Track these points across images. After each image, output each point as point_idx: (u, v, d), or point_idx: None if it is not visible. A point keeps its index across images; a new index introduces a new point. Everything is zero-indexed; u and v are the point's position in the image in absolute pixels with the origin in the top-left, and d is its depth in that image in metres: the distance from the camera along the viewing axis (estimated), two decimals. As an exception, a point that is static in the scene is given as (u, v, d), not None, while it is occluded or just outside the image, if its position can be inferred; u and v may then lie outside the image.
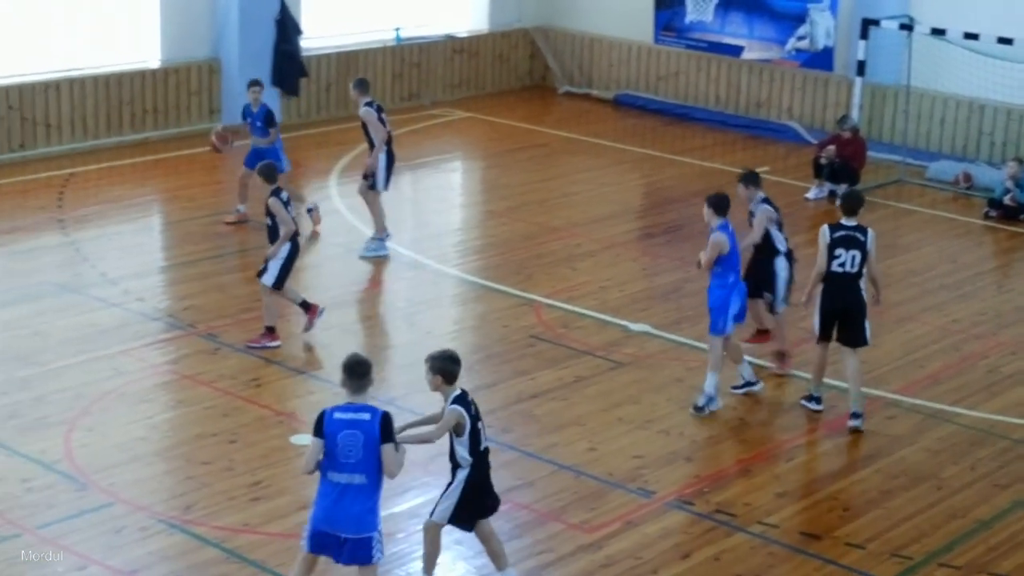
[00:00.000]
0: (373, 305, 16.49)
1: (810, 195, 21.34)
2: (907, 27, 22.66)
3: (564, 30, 28.16)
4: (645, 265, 18.21)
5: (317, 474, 9.47)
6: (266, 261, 14.88)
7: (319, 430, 9.34)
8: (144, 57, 23.19)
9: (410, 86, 26.40)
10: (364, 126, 17.86)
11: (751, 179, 14.80)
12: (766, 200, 14.68)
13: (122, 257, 17.58)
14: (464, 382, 13.97)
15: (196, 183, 19.99)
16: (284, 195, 14.88)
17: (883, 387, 14.56)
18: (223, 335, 15.16)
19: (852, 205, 13.81)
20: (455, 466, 10.29)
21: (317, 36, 25.02)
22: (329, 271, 17.53)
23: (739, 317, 13.83)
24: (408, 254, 18.04)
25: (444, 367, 10.16)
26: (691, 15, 26.02)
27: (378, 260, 17.68)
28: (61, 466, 12.17)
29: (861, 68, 22.98)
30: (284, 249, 14.85)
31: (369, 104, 17.75)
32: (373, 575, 9.63)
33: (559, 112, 26.66)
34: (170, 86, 23.20)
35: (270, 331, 14.89)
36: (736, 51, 25.87)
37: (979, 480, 12.69)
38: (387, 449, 9.33)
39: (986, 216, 20.71)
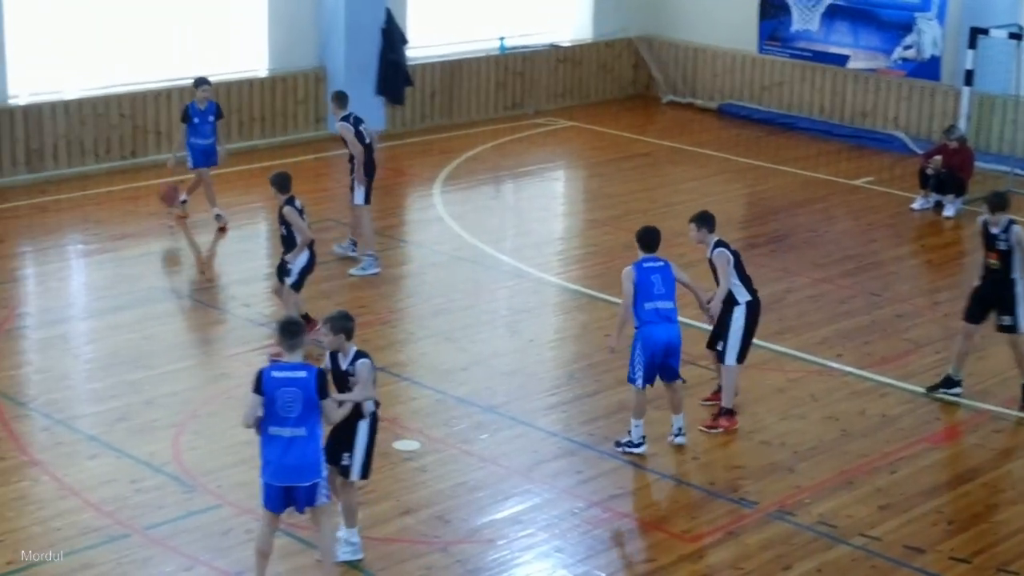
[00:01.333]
0: (475, 313, 16.58)
1: (915, 205, 21.15)
2: (1016, 36, 22.38)
3: (668, 40, 28.13)
4: (748, 275, 18.10)
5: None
6: (285, 263, 14.99)
7: (258, 388, 9.96)
8: (252, 66, 23.49)
9: (514, 95, 26.50)
10: (344, 143, 17.71)
11: (704, 220, 13.47)
12: (722, 243, 13.47)
13: (229, 263, 17.83)
14: (566, 390, 14.12)
15: (301, 191, 20.06)
16: (298, 203, 14.96)
17: (989, 400, 14.41)
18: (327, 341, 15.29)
19: (997, 203, 14.06)
20: (358, 418, 10.81)
21: (422, 45, 25.20)
22: (432, 279, 17.65)
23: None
24: (510, 262, 18.12)
25: (345, 326, 10.73)
26: (797, 24, 25.89)
27: (472, 268, 17.70)
28: (169, 468, 12.38)
29: (969, 78, 22.74)
30: (303, 257, 14.94)
31: (345, 119, 17.44)
32: (327, 515, 10.41)
33: (662, 122, 26.64)
34: (277, 95, 23.48)
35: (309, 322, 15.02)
36: (841, 60, 25.71)
37: (1087, 495, 12.54)
38: (327, 404, 10.10)
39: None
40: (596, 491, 12.33)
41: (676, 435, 13.10)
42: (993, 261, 14.15)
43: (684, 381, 13.17)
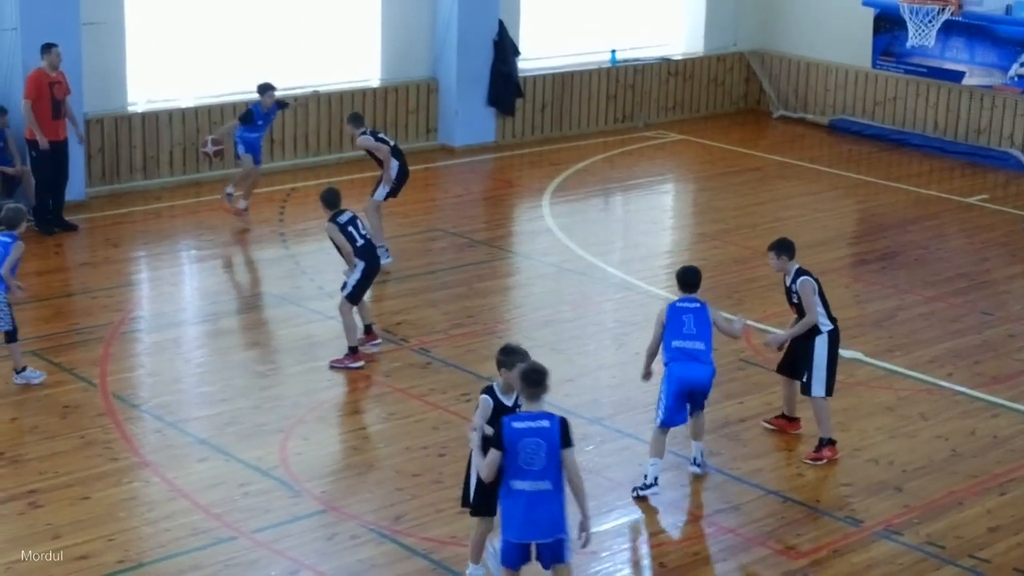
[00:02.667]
0: (582, 325, 16.59)
1: (1031, 225, 20.90)
2: None
3: (780, 54, 27.98)
4: (858, 292, 18.00)
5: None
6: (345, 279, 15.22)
7: (498, 441, 9.55)
8: (366, 76, 23.71)
9: (624, 108, 26.50)
10: (369, 154, 18.25)
11: (784, 248, 13.14)
12: (804, 272, 13.14)
13: (339, 271, 17.87)
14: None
15: (410, 200, 20.31)
16: (342, 218, 15.10)
17: (1103, 423, 14.18)
18: (434, 350, 15.42)
19: None
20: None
21: (534, 57, 25.30)
22: (541, 289, 17.70)
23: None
24: (618, 275, 18.12)
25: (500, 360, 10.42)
26: (912, 40, 25.62)
27: (580, 280, 17.69)
28: (277, 473, 12.51)
29: (1087, 95, 22.42)
30: (356, 271, 15.03)
31: (364, 133, 17.98)
32: (568, 574, 9.83)
33: (773, 136, 26.50)
34: (389, 104, 23.68)
35: (353, 352, 15.00)
36: (957, 77, 25.41)
37: None
38: (568, 453, 9.54)
39: None
40: (701, 505, 12.29)
41: (693, 463, 12.81)
42: None
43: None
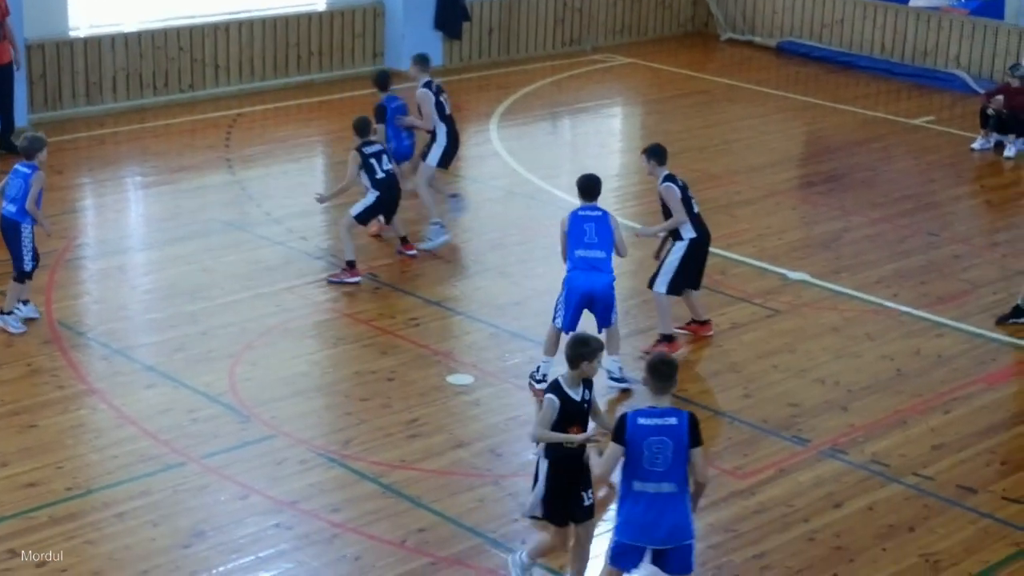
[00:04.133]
0: (530, 249, 16.59)
1: (976, 145, 20.95)
2: (1082, -26, 22.10)
3: (728, -24, 27.91)
4: (804, 213, 18.08)
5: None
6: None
7: (620, 436, 8.72)
8: (310, 0, 23.48)
9: (572, 31, 26.38)
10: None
11: (652, 153, 13.66)
12: (670, 177, 13.62)
13: (286, 197, 17.91)
14: (620, 327, 14.11)
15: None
16: (368, 148, 15.20)
17: (1046, 341, 14.35)
18: (383, 275, 15.40)
19: None
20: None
21: (480, -20, 25.14)
22: (488, 214, 17.67)
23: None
24: (566, 198, 18.08)
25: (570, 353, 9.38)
26: (858, -39, 25.60)
27: (528, 204, 17.67)
28: (226, 399, 12.49)
29: (1033, 16, 22.48)
30: (371, 195, 15.24)
31: (427, 85, 16.55)
32: None
33: (721, 59, 26.47)
34: (335, 29, 23.49)
35: (351, 266, 15.15)
36: (904, -2, 25.45)
37: None
38: (696, 453, 8.77)
39: None
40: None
41: (610, 377, 12.82)
42: None
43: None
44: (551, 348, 12.77)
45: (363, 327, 14.15)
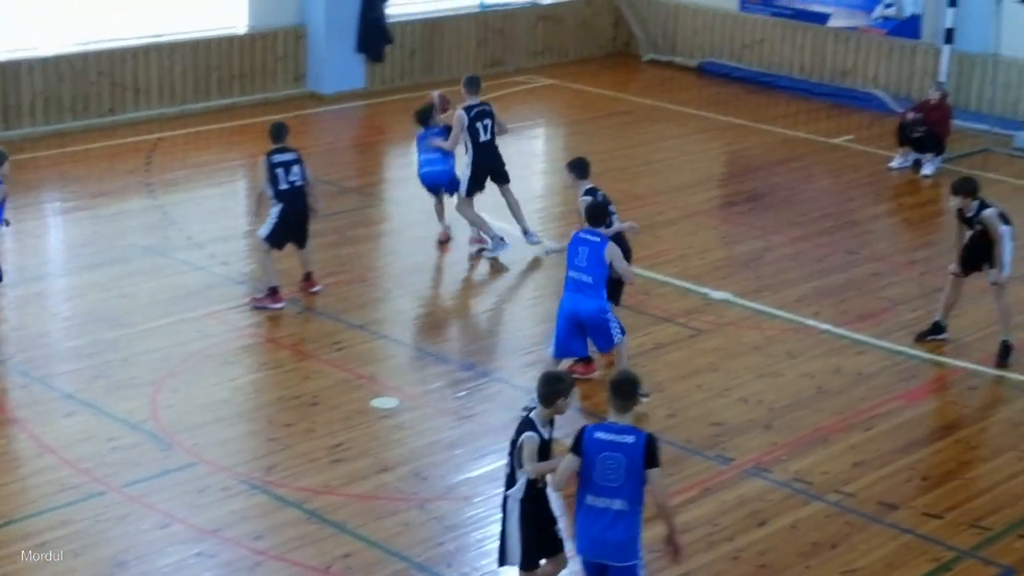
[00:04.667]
0: (454, 271, 16.59)
1: (894, 164, 21.16)
2: (996, -6, 22.41)
3: (649, -3, 28.08)
4: (726, 233, 18.19)
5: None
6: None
7: (577, 447, 8.81)
8: (231, 23, 23.39)
9: (494, 53, 26.44)
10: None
11: (572, 167, 14.01)
12: (591, 191, 13.83)
13: (208, 221, 17.81)
14: (543, 348, 14.14)
15: (281, 148, 20.13)
16: (276, 156, 15.01)
17: (965, 357, 14.48)
18: (306, 299, 15.33)
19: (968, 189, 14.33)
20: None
21: (402, 2, 25.11)
22: (411, 236, 17.63)
23: None
24: (490, 220, 18.10)
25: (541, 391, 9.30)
26: (777, -18, 25.85)
27: (451, 226, 17.58)
28: (147, 426, 12.39)
29: (949, 36, 22.76)
30: (270, 216, 14.97)
31: (467, 108, 16.73)
32: None
33: (643, 80, 26.60)
34: (257, 52, 23.40)
35: (272, 292, 15.02)
36: (822, 19, 25.67)
37: (1060, 451, 12.63)
38: (653, 474, 8.79)
39: (1073, 186, 20.49)
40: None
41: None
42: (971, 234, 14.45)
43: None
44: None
45: (286, 352, 14.09)
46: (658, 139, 22.58)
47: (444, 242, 17.14)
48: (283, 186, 14.98)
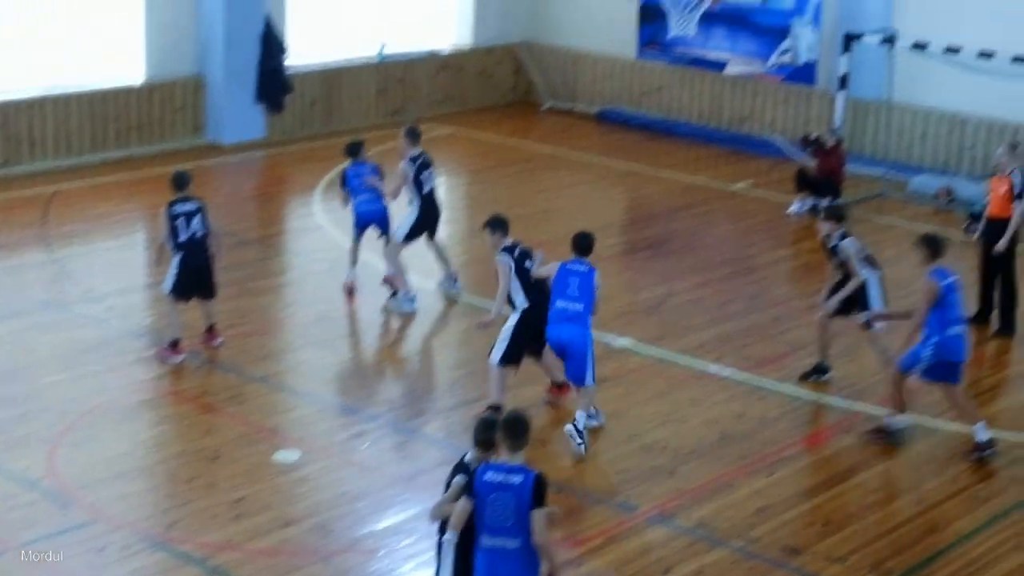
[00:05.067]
0: (356, 321, 16.53)
1: (792, 209, 21.40)
2: (889, 41, 22.79)
3: (548, 46, 28.25)
4: (628, 280, 18.29)
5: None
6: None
7: (469, 490, 8.94)
8: (129, 74, 23.23)
9: (394, 102, 26.46)
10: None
11: (490, 224, 13.99)
12: (506, 248, 13.84)
13: (107, 274, 17.63)
14: (448, 398, 14.16)
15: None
16: (177, 207, 14.86)
17: (864, 400, 14.63)
18: (207, 351, 15.19)
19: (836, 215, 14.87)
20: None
21: (301, 53, 25.09)
22: (313, 287, 17.57)
23: None
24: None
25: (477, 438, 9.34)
26: (674, 30, 26.11)
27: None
28: (45, 483, 12.19)
29: (844, 82, 23.09)
30: (173, 262, 14.87)
31: (414, 159, 16.74)
32: None
33: (543, 128, 26.75)
34: (155, 103, 23.25)
35: (173, 345, 14.88)
36: (719, 66, 25.97)
37: (959, 493, 12.76)
38: (536, 514, 8.88)
39: (967, 230, 20.78)
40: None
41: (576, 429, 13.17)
42: (836, 271, 14.85)
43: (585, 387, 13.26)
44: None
45: (187, 405, 13.94)
46: (559, 186, 22.68)
47: (351, 292, 17.06)
48: (183, 237, 14.85)
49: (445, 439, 13.45)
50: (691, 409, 14.36)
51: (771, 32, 25.18)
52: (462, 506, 8.94)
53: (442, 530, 9.25)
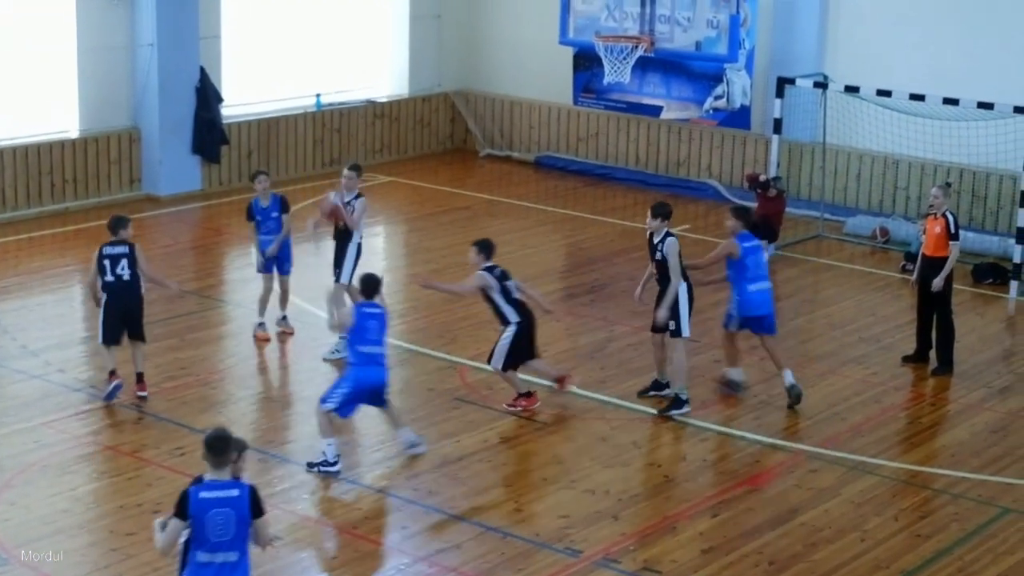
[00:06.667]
0: (296, 371, 16.44)
1: (730, 252, 21.49)
2: (821, 85, 23.00)
3: (484, 93, 28.35)
4: (569, 325, 18.29)
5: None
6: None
7: (183, 511, 9.13)
8: (63, 127, 23.11)
9: (331, 151, 26.45)
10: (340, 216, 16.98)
11: (484, 247, 15.42)
12: (487, 268, 15.25)
13: (43, 328, 17.46)
14: (390, 446, 14.07)
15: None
16: (108, 248, 15.02)
17: (806, 440, 14.69)
18: (146, 404, 15.06)
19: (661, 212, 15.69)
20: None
21: (237, 103, 25.05)
22: (248, 338, 17.44)
23: None
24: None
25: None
26: (609, 76, 26.26)
27: (293, 326, 17.52)
28: (-18, 541, 12.04)
29: (778, 126, 23.28)
30: (101, 303, 15.08)
31: (360, 196, 16.99)
32: None
33: (481, 175, 26.80)
34: (90, 155, 23.13)
35: (111, 374, 15.11)
36: (655, 111, 26.13)
37: (902, 531, 12.81)
38: (260, 523, 9.30)
39: (903, 269, 20.98)
40: (421, 546, 12.30)
41: (412, 447, 13.96)
42: (654, 271, 15.61)
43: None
44: (328, 430, 13.50)
45: (126, 459, 13.81)
46: (498, 233, 22.63)
47: (264, 339, 17.21)
48: (109, 278, 14.99)
49: (388, 487, 13.39)
50: (634, 452, 14.36)
51: (705, 77, 25.36)
52: (173, 528, 9.17)
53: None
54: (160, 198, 23.51)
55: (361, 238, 17.09)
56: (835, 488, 13.67)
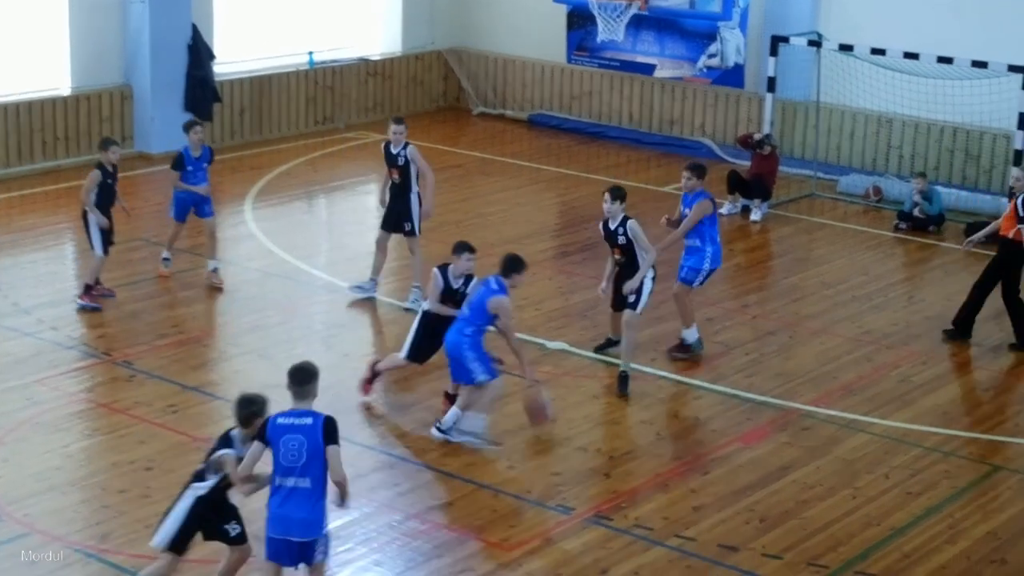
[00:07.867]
0: (290, 329, 16.44)
1: (723, 210, 21.45)
2: (815, 43, 22.95)
3: (477, 51, 28.26)
4: (561, 284, 18.30)
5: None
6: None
7: (262, 435, 9.58)
8: (54, 84, 23.02)
9: (324, 110, 26.38)
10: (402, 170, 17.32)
11: (455, 246, 14.49)
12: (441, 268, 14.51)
13: (35, 286, 17.44)
14: (381, 404, 14.09)
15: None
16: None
17: (798, 399, 14.73)
18: (138, 362, 15.07)
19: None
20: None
21: (230, 61, 24.96)
22: (245, 296, 17.45)
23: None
24: (324, 277, 18.03)
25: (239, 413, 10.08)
26: (602, 34, 26.19)
27: (286, 284, 17.56)
28: (-25, 498, 12.06)
29: (771, 84, 23.23)
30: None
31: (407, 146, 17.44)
32: (320, 573, 9.90)
33: (474, 133, 26.74)
34: (81, 113, 23.05)
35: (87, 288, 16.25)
36: (648, 69, 26.06)
37: (893, 488, 12.86)
38: (331, 452, 9.53)
39: (896, 228, 21.01)
40: (414, 503, 12.33)
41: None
42: (618, 256, 15.19)
43: None
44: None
45: (119, 416, 13.81)
46: (491, 191, 22.68)
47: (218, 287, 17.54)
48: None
49: (380, 444, 13.42)
50: (625, 410, 14.39)
51: (699, 36, 25.29)
52: (253, 450, 9.63)
53: (195, 479, 10.13)
54: (152, 156, 23.44)
55: (418, 187, 17.22)
56: (827, 446, 13.70)
